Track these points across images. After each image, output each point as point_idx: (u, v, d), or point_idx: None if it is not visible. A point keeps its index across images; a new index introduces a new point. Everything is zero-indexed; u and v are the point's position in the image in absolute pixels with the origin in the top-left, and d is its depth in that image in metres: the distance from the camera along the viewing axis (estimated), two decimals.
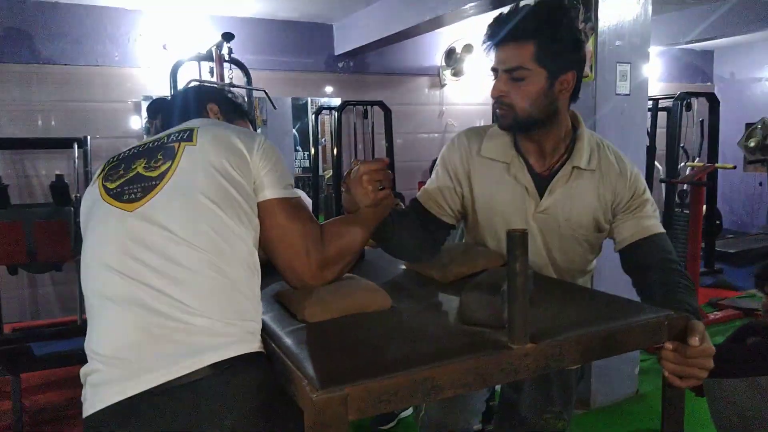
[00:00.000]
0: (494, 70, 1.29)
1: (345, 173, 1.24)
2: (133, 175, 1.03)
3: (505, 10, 1.29)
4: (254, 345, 0.96)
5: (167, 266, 0.94)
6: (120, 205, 1.00)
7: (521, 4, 1.29)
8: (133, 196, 1.00)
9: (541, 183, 1.35)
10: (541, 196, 1.34)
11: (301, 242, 1.05)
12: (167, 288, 0.93)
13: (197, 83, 3.28)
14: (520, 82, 1.25)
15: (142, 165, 1.04)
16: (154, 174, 1.02)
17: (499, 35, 1.26)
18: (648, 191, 1.36)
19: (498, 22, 1.27)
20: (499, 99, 1.28)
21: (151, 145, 1.09)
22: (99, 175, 1.10)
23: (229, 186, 1.00)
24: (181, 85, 3.66)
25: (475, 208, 1.42)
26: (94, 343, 0.96)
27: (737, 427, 1.91)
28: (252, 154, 1.05)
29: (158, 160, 1.04)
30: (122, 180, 1.03)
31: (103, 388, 0.92)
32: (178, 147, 1.04)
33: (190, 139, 1.06)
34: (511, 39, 1.25)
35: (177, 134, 1.08)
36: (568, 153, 1.34)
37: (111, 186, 1.04)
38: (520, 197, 1.35)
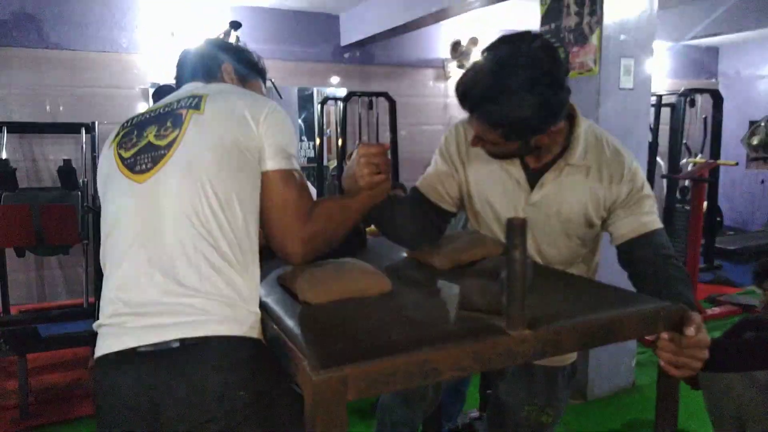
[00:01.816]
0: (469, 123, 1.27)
1: (348, 154, 1.25)
2: (145, 144, 1.06)
3: (465, 70, 1.20)
4: (241, 327, 0.99)
5: (165, 242, 0.98)
6: (132, 177, 1.04)
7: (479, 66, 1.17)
8: (144, 166, 1.03)
9: (533, 177, 1.35)
10: (532, 189, 1.35)
11: (293, 215, 1.06)
12: (164, 264, 0.97)
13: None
14: (494, 146, 1.25)
15: (153, 133, 1.06)
16: (163, 143, 1.04)
17: (466, 109, 1.21)
18: (647, 186, 1.34)
19: (463, 94, 1.19)
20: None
21: (162, 111, 1.10)
22: (114, 140, 1.12)
23: (233, 161, 1.02)
24: None
25: (470, 195, 1.44)
26: (109, 291, 1.03)
27: (733, 420, 1.94)
28: (258, 123, 1.05)
29: (167, 128, 1.05)
30: (136, 149, 1.07)
31: (101, 339, 1.01)
32: (186, 114, 1.05)
33: (197, 107, 1.06)
34: (477, 122, 1.20)
35: (186, 100, 1.09)
36: (563, 148, 1.33)
37: (125, 155, 1.07)
38: (511, 190, 1.37)
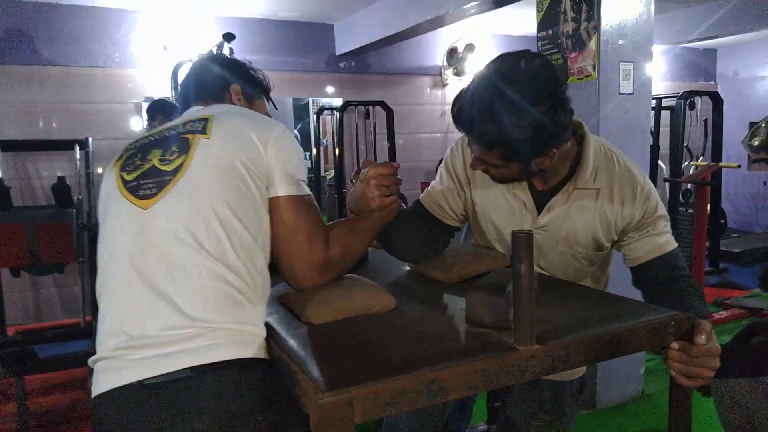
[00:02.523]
0: (469, 145, 1.22)
1: (354, 171, 1.22)
2: (149, 168, 1.02)
3: (463, 87, 1.15)
4: (249, 350, 0.94)
5: (169, 268, 0.94)
6: (135, 202, 1.00)
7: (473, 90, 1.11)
8: (148, 192, 1.00)
9: (541, 199, 1.30)
10: (539, 212, 1.30)
11: (305, 242, 1.04)
12: (167, 289, 0.93)
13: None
14: (494, 168, 1.20)
15: (158, 157, 1.03)
16: (169, 168, 1.01)
17: (463, 131, 1.17)
18: (661, 206, 1.29)
19: (460, 115, 1.14)
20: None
21: (167, 133, 1.08)
22: (116, 163, 1.09)
23: (241, 186, 0.99)
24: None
25: (475, 212, 1.41)
26: (108, 323, 0.98)
27: (744, 427, 1.90)
28: (267, 147, 1.03)
29: (173, 152, 1.03)
30: (138, 172, 1.03)
31: (101, 373, 0.95)
32: (192, 140, 1.03)
33: (204, 131, 1.04)
34: (475, 144, 1.16)
35: (192, 124, 1.07)
36: (572, 171, 1.27)
37: (128, 178, 1.03)
38: (517, 212, 1.32)
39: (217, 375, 0.90)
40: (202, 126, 1.05)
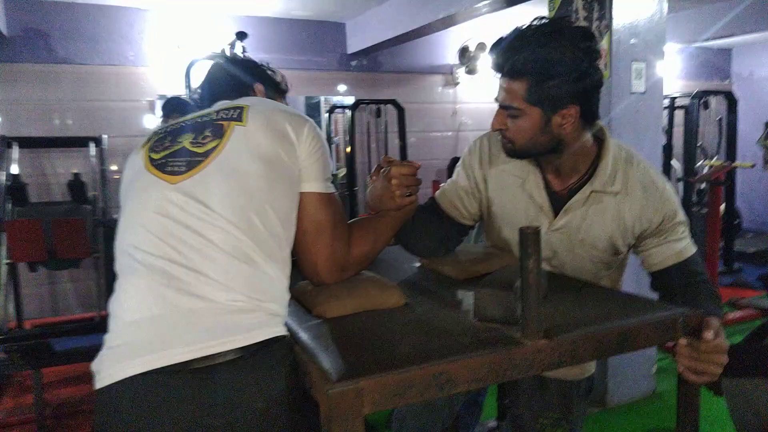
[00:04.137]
0: (496, 100, 1.24)
1: (375, 168, 1.23)
2: (179, 149, 1.01)
3: (506, 32, 1.21)
4: (280, 328, 0.94)
5: (200, 242, 0.92)
6: (163, 176, 0.98)
7: (522, 26, 1.19)
8: (177, 168, 0.98)
9: (558, 201, 1.30)
10: (555, 214, 1.30)
11: (329, 239, 1.06)
12: (197, 261, 0.91)
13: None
14: (515, 119, 1.20)
15: (189, 140, 1.02)
16: (201, 150, 1.00)
17: (494, 65, 1.21)
18: (680, 212, 1.28)
19: (494, 48, 1.20)
20: (499, 131, 1.26)
21: (199, 119, 1.07)
22: (144, 144, 1.07)
23: (277, 174, 0.99)
24: (195, 84, 3.69)
25: (490, 213, 1.41)
26: (118, 306, 0.94)
27: (756, 427, 1.89)
28: (300, 141, 1.03)
29: (206, 136, 1.02)
30: (167, 152, 1.02)
31: (121, 357, 0.88)
32: (227, 126, 1.02)
33: (240, 118, 1.03)
34: (504, 74, 1.19)
35: (227, 111, 1.06)
36: (590, 173, 1.27)
37: (156, 157, 1.02)
38: (534, 214, 1.32)
39: (266, 354, 0.90)
40: (238, 113, 1.04)
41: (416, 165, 1.21)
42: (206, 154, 0.99)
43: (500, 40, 1.20)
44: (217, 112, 1.07)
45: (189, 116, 1.11)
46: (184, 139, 1.03)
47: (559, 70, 1.13)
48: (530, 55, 1.13)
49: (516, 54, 1.15)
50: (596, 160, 1.27)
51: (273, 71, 1.33)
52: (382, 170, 1.22)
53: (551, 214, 1.30)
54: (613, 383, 2.74)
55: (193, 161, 0.99)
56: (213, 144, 1.00)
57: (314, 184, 1.05)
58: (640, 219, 1.26)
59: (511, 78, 1.17)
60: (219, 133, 1.01)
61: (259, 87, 1.27)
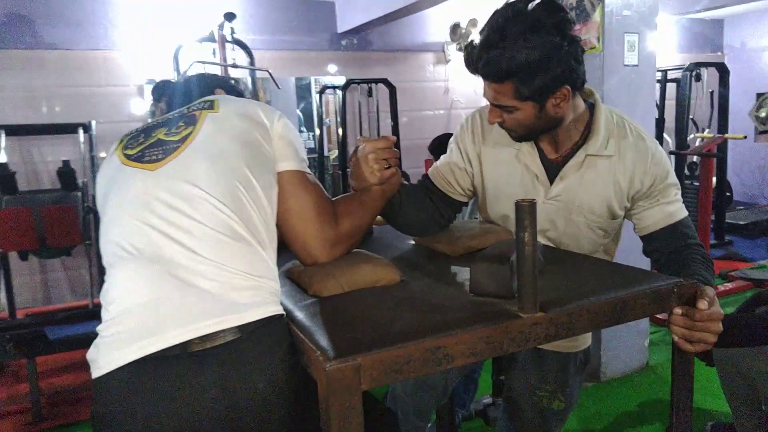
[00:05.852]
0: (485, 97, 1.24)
1: (351, 151, 1.22)
2: (154, 141, 1.02)
3: (476, 37, 1.18)
4: (277, 307, 0.94)
5: (189, 223, 0.91)
6: (142, 166, 0.99)
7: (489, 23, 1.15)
8: (154, 157, 0.99)
9: (553, 170, 1.30)
10: (551, 182, 1.30)
11: (315, 216, 1.06)
12: (188, 241, 0.90)
13: (201, 69, 3.26)
14: (510, 113, 1.21)
15: (163, 132, 1.04)
16: (176, 138, 1.01)
17: (475, 71, 1.19)
18: (672, 174, 1.29)
19: (469, 54, 1.18)
20: (497, 123, 1.26)
21: (170, 116, 1.09)
22: (117, 147, 1.07)
23: (256, 154, 1.01)
24: (183, 68, 3.65)
25: (485, 188, 1.40)
26: (110, 296, 0.92)
27: (746, 395, 1.92)
28: (273, 124, 1.06)
29: (179, 126, 1.03)
30: (142, 146, 1.03)
31: (117, 344, 0.87)
32: (200, 114, 1.04)
33: (212, 107, 1.06)
34: (487, 79, 1.18)
35: (198, 104, 1.08)
36: (583, 138, 1.28)
37: (131, 152, 1.03)
38: (530, 183, 1.32)
39: (265, 331, 0.90)
40: (209, 104, 1.07)
41: (391, 138, 1.21)
42: (182, 141, 1.00)
43: (472, 45, 1.18)
44: (189, 107, 1.09)
45: (159, 117, 1.13)
46: (158, 133, 1.04)
47: (542, 65, 1.12)
48: (510, 60, 1.11)
49: (496, 58, 1.12)
50: (589, 125, 1.28)
51: (236, 81, 1.39)
52: (359, 149, 1.22)
53: (547, 183, 1.31)
54: (607, 357, 2.77)
55: (170, 149, 1.00)
56: (187, 131, 1.01)
57: (291, 162, 1.06)
58: (633, 181, 1.27)
59: (496, 82, 1.17)
60: (192, 121, 1.03)
61: (219, 92, 1.28)
